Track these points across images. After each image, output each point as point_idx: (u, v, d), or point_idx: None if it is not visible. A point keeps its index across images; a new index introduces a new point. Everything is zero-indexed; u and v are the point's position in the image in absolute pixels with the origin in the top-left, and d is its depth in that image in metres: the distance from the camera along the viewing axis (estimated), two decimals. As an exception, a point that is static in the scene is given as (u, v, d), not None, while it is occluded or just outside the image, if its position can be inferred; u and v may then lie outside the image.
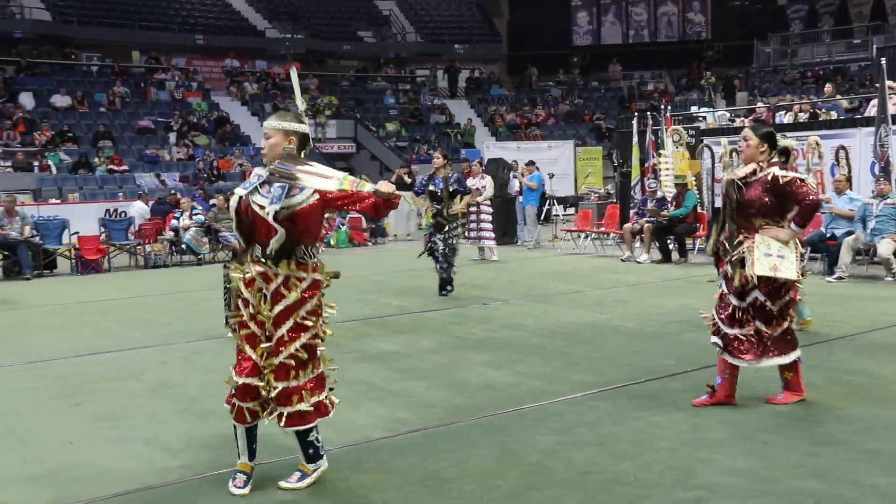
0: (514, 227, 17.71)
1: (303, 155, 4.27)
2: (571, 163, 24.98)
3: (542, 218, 18.00)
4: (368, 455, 4.74)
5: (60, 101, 26.06)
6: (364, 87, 33.77)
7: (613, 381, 6.13)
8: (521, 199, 17.35)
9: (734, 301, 5.29)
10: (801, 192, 5.16)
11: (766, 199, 5.21)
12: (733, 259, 5.29)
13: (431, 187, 10.37)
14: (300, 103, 4.69)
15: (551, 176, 18.54)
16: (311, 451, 4.25)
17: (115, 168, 23.18)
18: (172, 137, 25.84)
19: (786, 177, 5.19)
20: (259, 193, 4.18)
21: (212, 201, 17.62)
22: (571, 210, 22.22)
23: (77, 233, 15.54)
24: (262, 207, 4.12)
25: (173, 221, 16.25)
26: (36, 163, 22.41)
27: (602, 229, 16.22)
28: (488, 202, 14.54)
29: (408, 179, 19.90)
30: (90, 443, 5.09)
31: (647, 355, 6.95)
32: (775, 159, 5.31)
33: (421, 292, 10.80)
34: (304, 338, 4.14)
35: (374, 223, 18.69)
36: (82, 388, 6.43)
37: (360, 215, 19.28)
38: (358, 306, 9.76)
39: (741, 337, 5.24)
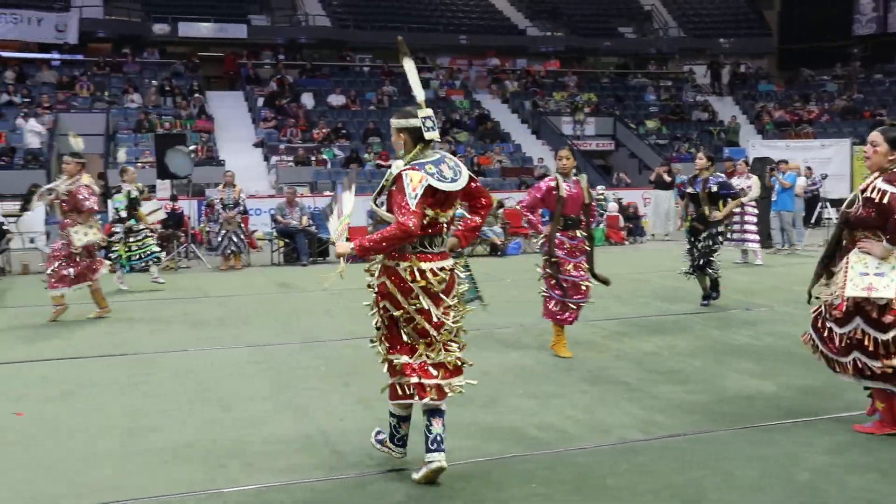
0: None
1: (418, 148, 4.40)
2: (847, 163, 23.21)
3: (811, 221, 16.86)
4: (624, 456, 4.66)
5: (336, 100, 27.82)
6: (624, 84, 33.24)
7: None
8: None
9: (834, 327, 4.95)
10: (893, 207, 4.71)
11: (870, 211, 4.80)
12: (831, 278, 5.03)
13: (690, 190, 9.97)
14: (419, 94, 4.65)
15: (824, 177, 17.34)
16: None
17: (383, 163, 24.37)
18: (436, 134, 26.77)
19: (884, 191, 4.72)
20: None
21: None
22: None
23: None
24: None
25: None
26: (313, 158, 24.06)
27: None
28: (753, 203, 13.80)
29: (667, 178, 19.39)
30: (359, 421, 5.37)
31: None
32: None
33: (680, 293, 10.48)
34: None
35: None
36: (353, 370, 6.79)
37: (617, 214, 19.13)
38: (616, 305, 9.65)
39: None
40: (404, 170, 4.28)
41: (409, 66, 4.58)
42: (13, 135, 22.86)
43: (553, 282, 7.15)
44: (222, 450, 4.87)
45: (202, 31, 29.49)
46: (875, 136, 4.94)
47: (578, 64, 34.25)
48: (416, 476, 4.28)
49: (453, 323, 4.38)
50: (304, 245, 15.04)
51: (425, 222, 4.25)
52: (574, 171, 7.27)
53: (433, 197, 4.26)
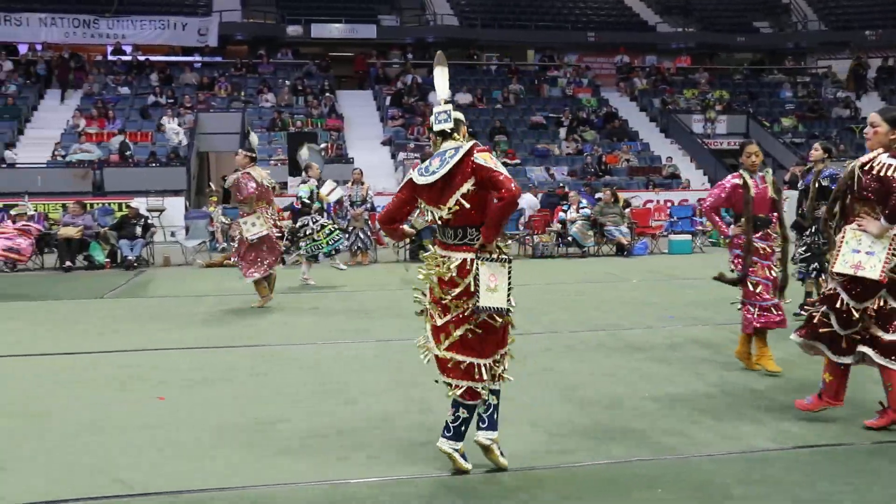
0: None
1: (437, 142, 4.59)
2: None
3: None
4: (753, 465, 4.51)
5: (463, 98, 27.96)
6: (758, 81, 32.07)
7: None
8: None
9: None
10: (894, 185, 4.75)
11: (872, 186, 4.83)
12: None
13: (801, 185, 9.35)
14: (444, 93, 4.63)
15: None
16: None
17: (509, 161, 24.33)
18: (562, 132, 26.60)
19: (889, 165, 4.76)
20: None
21: (597, 195, 17.89)
22: None
23: (473, 221, 16.59)
24: None
25: (561, 214, 16.74)
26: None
27: None
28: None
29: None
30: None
31: None
32: None
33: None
34: None
35: None
36: (475, 367, 6.83)
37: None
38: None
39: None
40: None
41: (439, 71, 4.68)
42: (158, 134, 24.00)
43: (751, 288, 6.51)
44: (347, 442, 4.97)
45: (333, 32, 30.18)
46: (874, 116, 5.02)
47: (710, 60, 33.27)
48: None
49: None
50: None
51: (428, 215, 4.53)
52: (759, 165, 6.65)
53: (416, 190, 4.55)
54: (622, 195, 17.70)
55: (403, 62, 30.18)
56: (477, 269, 4.32)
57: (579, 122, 26.99)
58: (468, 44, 31.64)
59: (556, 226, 16.63)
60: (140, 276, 13.80)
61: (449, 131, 4.52)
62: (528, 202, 18.64)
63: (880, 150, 4.87)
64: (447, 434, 4.40)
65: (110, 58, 28.71)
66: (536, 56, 32.43)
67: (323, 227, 12.12)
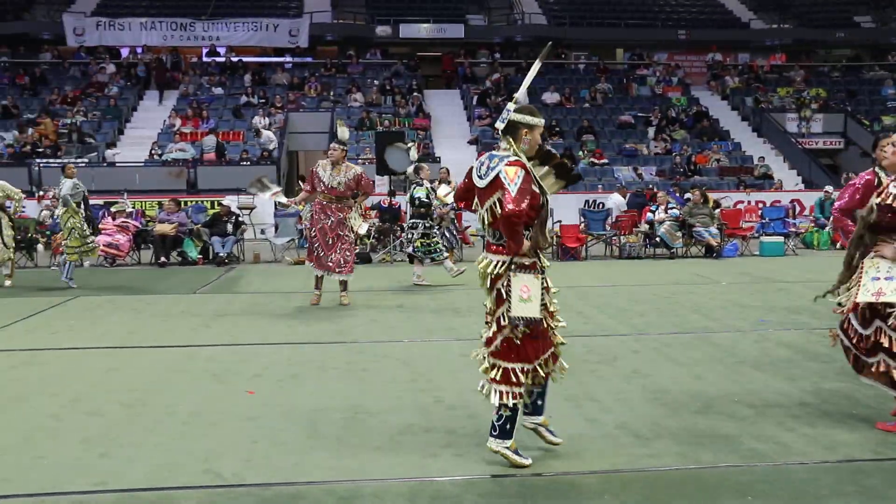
0: None
1: (518, 141, 4.43)
2: None
3: None
4: (850, 476, 4.37)
5: (550, 97, 27.85)
6: (857, 78, 31.03)
7: None
8: None
9: (858, 327, 4.98)
10: None
11: (886, 218, 4.82)
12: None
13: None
14: (522, 95, 4.52)
15: None
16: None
17: (596, 161, 24.19)
18: (651, 132, 26.25)
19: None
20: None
21: (686, 196, 17.59)
22: None
23: (560, 221, 16.48)
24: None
25: (649, 214, 16.52)
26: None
27: None
28: None
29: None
30: (567, 419, 5.37)
31: None
32: None
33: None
34: None
35: None
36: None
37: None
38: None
39: None
40: None
41: (535, 67, 4.63)
42: (249, 133, 24.57)
43: None
44: (435, 439, 5.01)
45: (422, 32, 30.42)
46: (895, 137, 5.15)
47: (807, 57, 32.33)
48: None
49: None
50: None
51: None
52: None
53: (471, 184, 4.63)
54: (712, 196, 17.34)
55: (491, 61, 30.21)
56: (509, 278, 4.39)
57: (668, 122, 26.61)
58: (556, 42, 31.46)
59: (644, 226, 16.41)
60: (231, 273, 14.16)
61: (502, 131, 4.49)
62: (616, 202, 18.45)
63: (893, 176, 4.98)
64: (494, 433, 4.47)
65: (205, 59, 29.53)
66: (625, 55, 32.08)
67: (431, 228, 12.15)
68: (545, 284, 4.54)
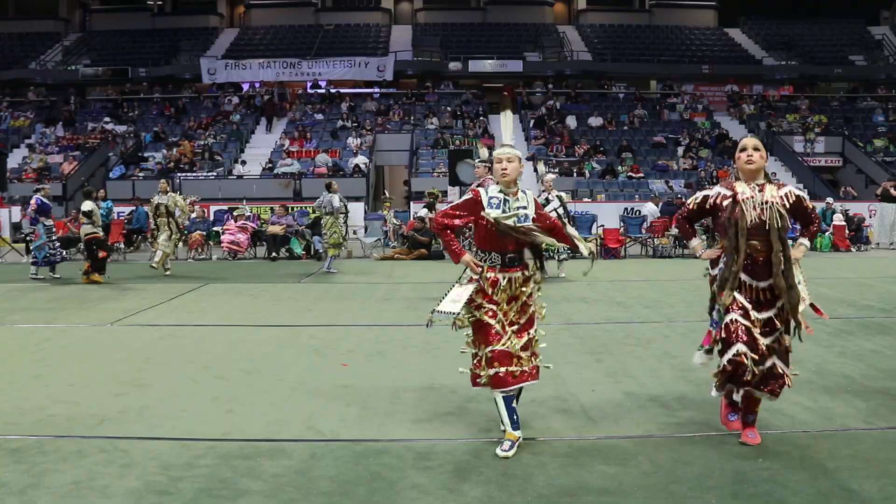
0: None
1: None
2: None
3: None
4: (845, 442, 4.25)
5: (595, 121, 27.55)
6: (853, 107, 30.11)
7: None
8: None
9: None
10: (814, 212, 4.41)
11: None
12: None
13: None
14: (508, 137, 4.39)
15: None
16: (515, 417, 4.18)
17: (633, 175, 23.85)
18: (680, 151, 25.78)
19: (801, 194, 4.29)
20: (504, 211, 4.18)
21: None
22: None
23: (603, 226, 16.35)
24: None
25: (676, 228, 16.21)
26: (575, 169, 24.02)
27: None
28: None
29: (894, 192, 17.51)
30: (607, 392, 5.33)
31: None
32: None
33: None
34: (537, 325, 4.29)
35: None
36: (604, 348, 6.74)
37: (843, 224, 17.43)
38: (842, 307, 8.82)
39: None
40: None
41: (506, 117, 4.50)
42: (344, 151, 24.86)
43: None
44: (493, 410, 5.01)
45: (486, 67, 30.35)
46: (755, 141, 4.48)
47: (810, 89, 31.53)
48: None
49: None
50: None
51: None
52: None
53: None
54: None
55: (545, 91, 30.02)
56: (451, 285, 4.33)
57: (695, 142, 26.10)
58: (600, 75, 31.14)
59: (674, 230, 16.13)
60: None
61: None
62: (650, 210, 18.19)
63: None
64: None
65: (309, 91, 29.99)
66: (658, 85, 31.56)
67: None
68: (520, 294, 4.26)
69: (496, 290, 4.23)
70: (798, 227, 4.58)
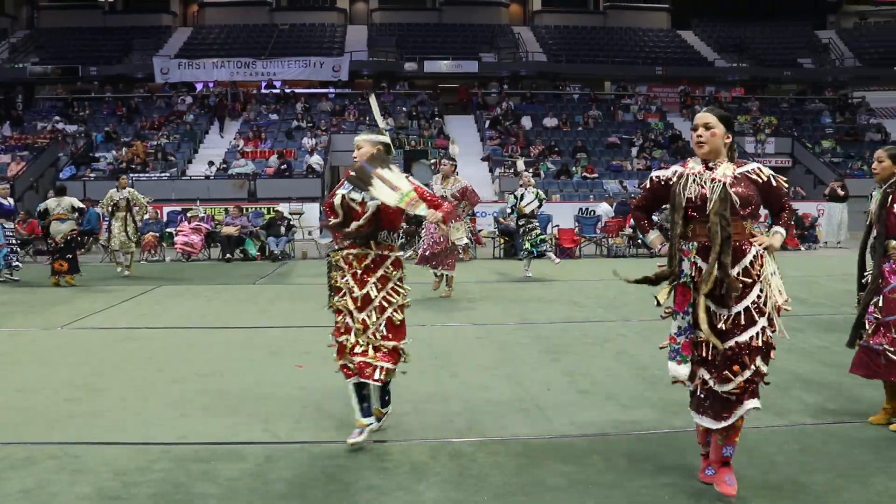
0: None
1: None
2: None
3: None
4: (794, 437, 4.38)
5: (549, 122, 27.77)
6: (802, 109, 30.92)
7: None
8: None
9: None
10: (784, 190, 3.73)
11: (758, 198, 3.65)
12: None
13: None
14: (381, 122, 4.59)
15: None
16: (387, 397, 4.54)
17: (588, 175, 24.10)
18: (634, 151, 26.13)
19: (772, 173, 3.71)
20: (355, 192, 4.30)
21: (664, 205, 17.50)
22: None
23: (558, 225, 16.48)
24: (361, 203, 4.27)
25: (632, 220, 16.45)
26: (531, 170, 24.14)
27: None
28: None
29: (840, 192, 18.05)
30: (563, 392, 5.39)
31: None
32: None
33: (851, 296, 9.60)
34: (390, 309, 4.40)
35: None
36: (560, 348, 6.80)
37: (792, 223, 17.90)
38: (793, 304, 9.03)
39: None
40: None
41: (373, 101, 4.78)
42: (299, 152, 24.66)
43: None
44: (452, 407, 5.04)
45: (442, 68, 30.39)
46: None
47: (761, 91, 32.29)
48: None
49: None
50: (520, 242, 15.16)
51: None
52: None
53: None
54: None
55: (500, 91, 30.16)
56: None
57: (649, 143, 26.48)
58: (555, 76, 31.39)
59: (629, 230, 16.37)
60: (283, 267, 14.24)
61: None
62: (605, 210, 18.40)
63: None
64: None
65: (263, 91, 29.69)
66: (612, 86, 31.95)
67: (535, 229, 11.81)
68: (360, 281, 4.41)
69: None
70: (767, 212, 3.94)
